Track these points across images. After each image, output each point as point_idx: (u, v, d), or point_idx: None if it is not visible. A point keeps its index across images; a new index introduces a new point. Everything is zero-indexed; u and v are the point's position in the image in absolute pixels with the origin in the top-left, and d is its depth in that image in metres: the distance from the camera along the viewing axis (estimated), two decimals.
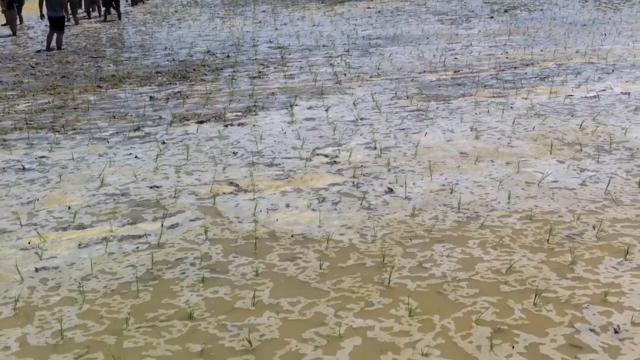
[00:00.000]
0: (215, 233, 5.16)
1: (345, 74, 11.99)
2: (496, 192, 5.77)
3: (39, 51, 17.19)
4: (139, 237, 5.17)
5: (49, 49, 17.26)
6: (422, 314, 3.92)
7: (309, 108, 9.31)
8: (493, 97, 9.54)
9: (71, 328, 3.87)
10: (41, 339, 3.76)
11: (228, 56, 15.23)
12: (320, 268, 4.52)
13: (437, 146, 7.15)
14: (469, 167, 6.44)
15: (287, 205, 5.68)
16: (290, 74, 12.33)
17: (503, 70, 11.71)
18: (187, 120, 9.00)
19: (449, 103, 9.20)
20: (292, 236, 5.06)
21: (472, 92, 9.88)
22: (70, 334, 3.81)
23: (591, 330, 3.71)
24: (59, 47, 17.31)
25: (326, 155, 7.02)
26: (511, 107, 8.78)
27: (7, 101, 11.09)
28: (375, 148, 7.16)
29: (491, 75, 11.27)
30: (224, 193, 6.04)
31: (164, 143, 7.87)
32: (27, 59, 16.05)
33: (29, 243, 5.12)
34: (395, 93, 10.07)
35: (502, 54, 13.58)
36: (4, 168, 7.21)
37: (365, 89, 10.60)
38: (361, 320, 3.89)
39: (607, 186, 5.77)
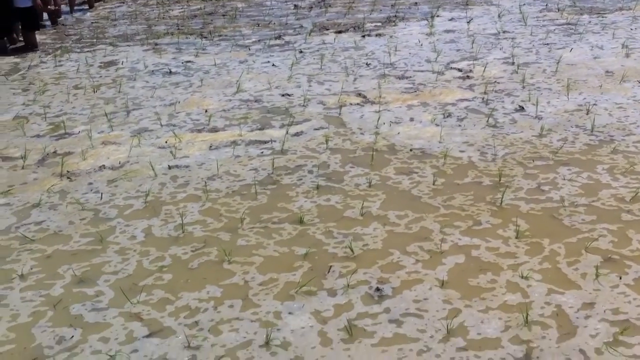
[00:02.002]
0: (336, 143, 5.26)
1: None
2: (638, 115, 5.34)
3: None
4: (265, 142, 5.38)
5: None
6: (531, 237, 3.81)
7: (451, 19, 8.98)
8: None
9: (192, 223, 4.18)
10: (164, 231, 4.10)
11: None
12: (434, 184, 4.49)
13: (582, 63, 6.68)
14: (612, 86, 5.99)
15: (411, 119, 5.63)
16: None
17: None
18: (327, 29, 9.02)
19: (603, 17, 8.49)
20: (410, 150, 5.04)
21: (632, 5, 9.02)
22: (190, 228, 4.11)
23: None
24: None
25: (460, 70, 6.81)
26: None
27: (162, 6, 11.67)
28: (513, 63, 6.83)
29: None
30: (351, 104, 6.08)
31: (301, 52, 7.98)
32: None
33: (166, 142, 5.50)
34: (546, 5, 9.43)
35: None
36: (152, 71, 7.69)
37: None
38: (467, 238, 3.85)
39: None
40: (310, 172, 4.80)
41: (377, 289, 3.40)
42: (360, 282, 3.47)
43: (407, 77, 6.71)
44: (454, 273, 3.54)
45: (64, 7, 11.77)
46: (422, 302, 3.29)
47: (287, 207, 4.33)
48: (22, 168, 5.16)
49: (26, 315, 3.36)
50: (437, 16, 9.20)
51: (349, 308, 3.26)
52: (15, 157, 5.37)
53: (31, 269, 3.76)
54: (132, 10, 11.55)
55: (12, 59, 8.73)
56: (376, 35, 8.48)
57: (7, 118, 6.37)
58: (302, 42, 8.47)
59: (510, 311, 3.18)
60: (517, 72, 6.56)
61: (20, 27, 9.54)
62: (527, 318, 3.08)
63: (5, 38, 9.34)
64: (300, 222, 4.11)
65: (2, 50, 9.08)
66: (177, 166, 5.04)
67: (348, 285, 3.42)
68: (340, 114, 5.86)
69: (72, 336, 3.16)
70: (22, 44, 9.46)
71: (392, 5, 10.18)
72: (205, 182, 4.72)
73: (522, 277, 3.44)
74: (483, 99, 5.95)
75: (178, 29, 9.79)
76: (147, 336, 3.12)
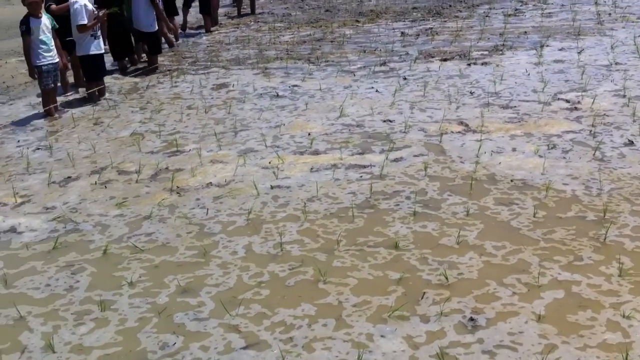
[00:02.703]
0: (435, 170, 5.27)
1: (609, 14, 11.01)
2: None
3: None
4: (364, 167, 5.46)
5: None
6: (635, 276, 3.68)
7: (560, 49, 8.78)
8: None
9: (290, 242, 4.31)
10: (264, 249, 4.26)
11: None
12: (535, 216, 4.42)
13: None
14: None
15: (514, 149, 5.56)
16: (549, 12, 11.65)
17: None
18: (432, 57, 9.05)
19: None
20: (511, 181, 4.98)
21: None
22: (288, 247, 4.25)
23: None
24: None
25: (567, 101, 6.65)
26: None
27: (274, 32, 12.06)
28: (624, 96, 6.60)
29: None
30: (452, 132, 6.08)
31: (405, 79, 8.05)
32: None
33: (270, 163, 5.70)
34: None
35: None
36: (261, 94, 7.97)
37: (629, 30, 9.67)
38: (567, 273, 3.77)
39: None
40: (407, 198, 4.84)
41: (471, 319, 3.39)
42: (454, 310, 3.47)
43: (511, 107, 6.63)
44: (551, 308, 3.47)
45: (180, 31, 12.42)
46: (517, 335, 3.25)
47: (383, 231, 4.38)
48: (136, 182, 5.49)
49: (133, 321, 3.58)
50: (547, 46, 9.03)
51: (441, 336, 3.27)
52: (131, 172, 5.72)
53: (140, 277, 4.01)
54: (245, 35, 12.03)
55: (132, 79, 9.30)
56: (482, 63, 8.42)
57: (125, 134, 6.80)
58: (406, 69, 8.54)
59: (610, 350, 3.09)
60: (628, 106, 6.34)
61: (143, 48, 10.16)
62: (626, 358, 2.98)
63: (127, 59, 9.96)
64: (396, 247, 4.15)
65: (123, 71, 9.69)
66: (278, 186, 5.21)
67: (441, 312, 3.43)
68: (440, 141, 5.87)
69: (175, 343, 3.34)
70: (142, 64, 10.06)
71: (500, 34, 10.08)
72: (305, 203, 4.85)
73: (623, 316, 3.33)
74: (590, 131, 5.79)
75: (287, 54, 10.10)
76: (244, 348, 3.26)
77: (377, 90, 7.69)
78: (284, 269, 4.00)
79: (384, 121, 6.56)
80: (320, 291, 3.73)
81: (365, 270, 3.93)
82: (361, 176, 5.29)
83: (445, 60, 8.81)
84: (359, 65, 9.00)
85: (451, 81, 7.77)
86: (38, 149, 6.55)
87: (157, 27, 9.73)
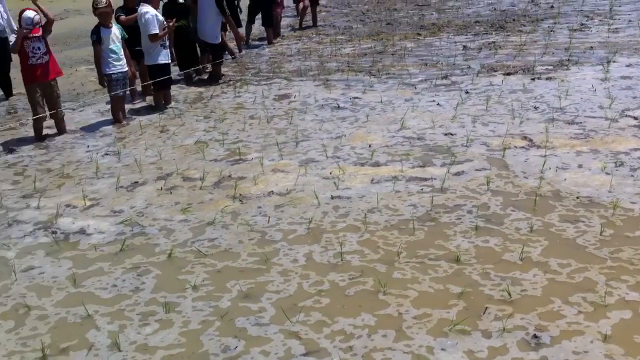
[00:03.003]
0: (497, 185, 5.21)
1: None
2: None
3: None
4: (425, 179, 5.44)
5: None
6: None
7: (628, 65, 8.57)
8: None
9: (350, 252, 4.33)
10: (324, 258, 4.29)
11: (552, 6, 14.56)
12: (601, 234, 4.32)
13: None
14: None
15: (579, 166, 5.45)
16: (616, 28, 11.39)
17: None
18: (495, 71, 8.96)
19: None
20: (577, 198, 4.88)
21: None
22: (348, 257, 4.27)
23: None
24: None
25: (635, 118, 6.49)
26: None
27: (335, 44, 12.15)
28: None
29: None
30: (515, 147, 6.00)
31: (467, 92, 8.00)
32: (359, 5, 17.17)
33: (330, 173, 5.73)
34: None
35: None
36: (322, 105, 8.04)
37: None
38: (636, 294, 3.67)
39: None
40: (469, 212, 4.80)
41: (535, 336, 3.33)
42: (517, 327, 3.42)
43: (577, 123, 6.50)
44: (618, 328, 3.38)
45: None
46: (582, 355, 3.18)
47: (444, 245, 4.36)
48: (200, 189, 5.61)
49: (196, 323, 3.65)
50: (614, 62, 8.82)
51: (503, 352, 3.23)
52: (195, 178, 5.85)
53: (203, 281, 4.09)
54: (307, 47, 12.15)
55: (197, 89, 9.50)
56: (547, 78, 8.29)
57: (189, 142, 6.95)
58: (468, 82, 8.48)
59: None
60: None
61: (207, 59, 10.39)
62: None
63: (192, 68, 10.19)
64: (457, 261, 4.12)
65: (188, 80, 9.92)
66: (339, 197, 5.24)
67: (504, 328, 3.39)
68: (503, 156, 5.81)
69: (236, 347, 3.39)
70: (206, 75, 10.28)
71: (565, 49, 9.90)
72: (365, 214, 4.86)
73: None
74: None
75: (348, 66, 10.15)
76: (304, 355, 3.29)
77: (438, 104, 7.66)
78: (344, 278, 4.02)
79: (446, 134, 6.53)
80: (380, 302, 3.73)
81: (425, 283, 3.92)
82: (422, 189, 5.27)
83: (508, 74, 8.71)
84: (420, 78, 8.98)
85: (514, 95, 7.68)
86: (107, 154, 6.76)
87: (220, 39, 9.95)
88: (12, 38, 7.06)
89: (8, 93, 9.58)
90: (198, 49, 10.18)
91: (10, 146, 7.27)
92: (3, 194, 5.79)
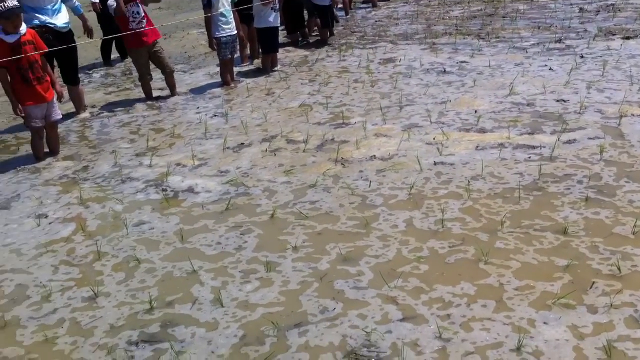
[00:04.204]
0: (612, 155, 4.95)
1: None
2: None
3: None
4: (534, 147, 5.25)
5: None
6: None
7: None
8: None
9: (451, 220, 4.26)
10: (424, 224, 4.24)
11: None
12: None
13: None
14: None
15: None
16: None
17: None
18: (613, 35, 8.45)
19: None
20: None
21: None
22: (449, 224, 4.20)
23: None
24: None
25: None
26: None
27: (444, 7, 11.85)
28: None
29: None
30: (633, 115, 5.66)
31: (582, 57, 7.60)
32: None
33: (434, 139, 5.64)
34: None
35: None
36: (428, 69, 7.89)
37: None
38: None
39: None
40: (579, 182, 4.59)
41: None
42: (626, 303, 3.26)
43: None
44: None
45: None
46: None
47: (551, 216, 4.20)
48: (304, 151, 5.67)
49: (295, 284, 3.72)
50: None
51: (610, 328, 3.09)
52: (299, 141, 5.91)
53: (303, 242, 4.15)
54: (414, 10, 11.92)
55: (303, 52, 9.56)
56: None
57: (294, 105, 7.03)
58: (584, 47, 8.04)
59: None
60: None
61: (315, 22, 10.43)
62: None
63: (299, 32, 10.25)
64: (564, 232, 3.96)
65: (295, 44, 9.99)
66: (442, 163, 5.15)
67: (611, 304, 3.24)
68: (619, 124, 5.50)
69: (334, 309, 3.44)
70: (313, 39, 10.31)
71: None
72: (469, 182, 4.76)
73: None
74: None
75: (457, 29, 9.89)
76: (401, 320, 3.28)
77: (551, 69, 7.33)
78: (444, 246, 3.96)
79: (557, 101, 6.25)
80: (480, 271, 3.66)
81: (529, 254, 3.80)
82: (530, 157, 5.08)
83: (627, 38, 8.19)
84: (532, 42, 8.62)
85: (634, 61, 7.22)
86: (215, 115, 6.96)
87: (330, 2, 9.96)
88: (112, 2, 7.32)
89: (124, 55, 10.01)
90: (305, 13, 10.22)
91: (125, 106, 7.62)
92: (119, 152, 6.10)
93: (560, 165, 4.89)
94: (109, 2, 7.45)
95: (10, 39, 5.71)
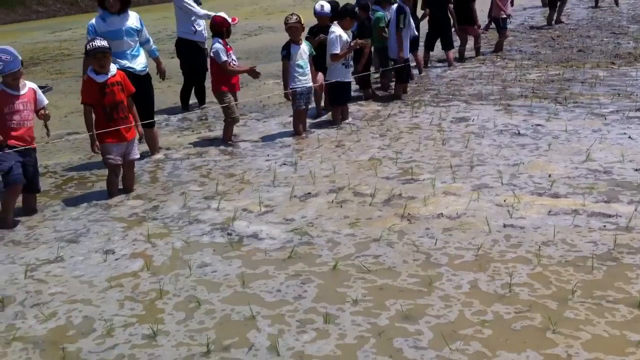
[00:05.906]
0: None
1: None
2: None
3: (561, 22, 17.36)
4: (609, 216, 5.06)
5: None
6: None
7: None
8: None
9: (519, 284, 4.11)
10: (490, 287, 4.11)
11: None
12: None
13: None
14: None
15: None
16: None
17: None
18: None
19: None
20: None
21: None
22: (517, 289, 4.06)
23: None
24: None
25: None
26: None
27: (520, 70, 11.73)
28: None
29: None
30: None
31: None
32: (550, 31, 16.46)
33: (505, 201, 5.51)
34: None
35: None
36: (501, 130, 7.78)
37: None
38: None
39: None
40: None
41: None
42: None
43: None
44: None
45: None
46: None
47: (625, 288, 4.01)
48: (370, 205, 5.64)
49: (352, 337, 3.65)
50: None
51: None
52: (366, 194, 5.89)
53: (363, 296, 4.09)
54: (490, 71, 11.85)
55: (375, 107, 9.62)
56: None
57: (363, 158, 7.03)
58: None
59: None
60: None
61: (389, 78, 10.55)
62: None
63: (371, 90, 10.34)
64: (639, 306, 3.77)
65: (368, 98, 10.07)
66: (512, 226, 5.02)
67: None
68: None
69: None
70: (385, 93, 10.38)
71: None
72: (539, 247, 4.61)
73: None
74: None
75: (533, 92, 9.75)
76: None
77: (630, 137, 7.11)
78: (510, 311, 3.82)
79: (636, 170, 6.03)
80: (547, 340, 3.50)
81: (600, 326, 3.62)
82: (605, 225, 4.90)
83: None
84: (611, 109, 8.41)
85: None
86: (284, 164, 7.03)
87: (408, 57, 10.10)
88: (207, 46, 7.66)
89: (201, 101, 10.31)
90: (372, 67, 10.39)
91: (198, 150, 7.80)
92: (188, 194, 6.22)
93: (637, 236, 4.68)
94: (214, 48, 7.79)
95: (100, 79, 5.99)
